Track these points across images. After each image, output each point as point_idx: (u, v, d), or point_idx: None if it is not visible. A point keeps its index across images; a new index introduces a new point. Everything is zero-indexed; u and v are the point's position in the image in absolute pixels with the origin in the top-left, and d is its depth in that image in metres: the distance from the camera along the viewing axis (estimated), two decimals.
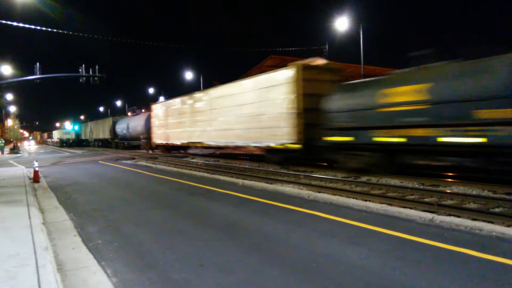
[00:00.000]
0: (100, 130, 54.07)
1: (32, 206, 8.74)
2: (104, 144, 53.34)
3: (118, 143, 45.71)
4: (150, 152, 32.33)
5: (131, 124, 39.26)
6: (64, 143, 67.23)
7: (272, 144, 16.25)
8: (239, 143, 18.87)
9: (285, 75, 15.35)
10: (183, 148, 28.69)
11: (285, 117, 15.20)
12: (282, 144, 15.50)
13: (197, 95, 23.83)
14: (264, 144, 16.78)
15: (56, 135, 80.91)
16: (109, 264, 5.18)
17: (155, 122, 30.67)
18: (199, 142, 23.05)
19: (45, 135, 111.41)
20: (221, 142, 20.66)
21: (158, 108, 30.37)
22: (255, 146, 17.65)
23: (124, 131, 41.49)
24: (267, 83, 16.56)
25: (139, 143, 37.51)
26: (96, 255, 5.51)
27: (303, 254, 5.32)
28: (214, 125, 21.15)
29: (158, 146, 30.59)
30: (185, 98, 25.56)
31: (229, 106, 19.61)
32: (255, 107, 17.30)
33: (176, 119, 26.50)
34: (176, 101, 26.80)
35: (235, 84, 19.64)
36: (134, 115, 42.38)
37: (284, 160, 16.12)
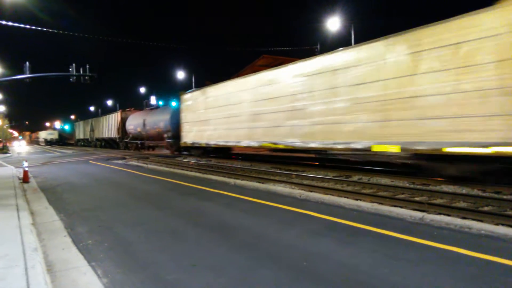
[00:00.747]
0: (104, 128, 46.11)
1: (21, 207, 8.64)
2: (109, 144, 46.12)
3: (129, 143, 37.51)
4: (176, 153, 26.63)
5: (150, 119, 31.13)
6: (48, 142, 75.48)
7: (452, 149, 9.39)
8: (362, 143, 11.74)
9: (493, 20, 8.77)
10: (223, 151, 22.13)
11: (493, 98, 8.69)
12: (483, 145, 8.73)
13: (267, 75, 16.35)
14: (426, 146, 9.95)
15: (42, 135, 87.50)
16: (100, 264, 5.13)
17: (186, 116, 23.49)
18: (270, 143, 15.85)
19: (33, 135, 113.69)
20: (317, 142, 13.54)
21: (193, 99, 22.86)
22: (403, 148, 10.58)
23: (139, 129, 33.51)
24: (440, 39, 9.72)
25: (160, 144, 30.85)
26: (87, 256, 5.47)
27: (294, 253, 5.33)
28: (299, 117, 14.28)
29: (191, 148, 23.88)
30: (240, 81, 18.28)
31: (333, 87, 12.87)
32: (403, 83, 10.55)
33: (223, 112, 19.46)
34: (224, 88, 19.76)
35: (348, 51, 12.59)
36: (153, 108, 33.37)
37: (486, 176, 9.32)
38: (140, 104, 43.01)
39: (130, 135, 36.56)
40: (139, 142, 35.39)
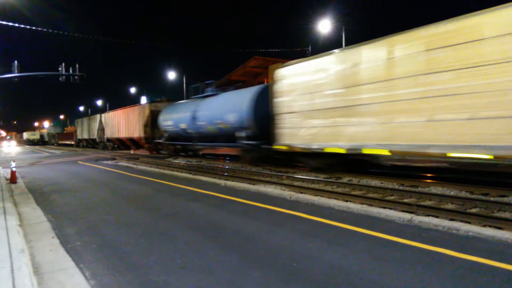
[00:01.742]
0: (121, 125, 34.34)
1: (8, 208, 8.52)
2: (125, 146, 36.19)
3: (162, 144, 26.79)
4: (258, 165, 16.64)
5: (205, 111, 20.27)
6: (30, 142, 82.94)
7: None
8: None
9: None
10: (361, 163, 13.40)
11: None
12: None
13: None
14: None
15: (25, 136, 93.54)
16: (88, 266, 5.09)
17: (290, 103, 13.96)
18: None
19: (18, 135, 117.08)
20: None
21: (305, 73, 13.37)
22: None
23: (183, 125, 22.44)
24: None
25: (222, 148, 22.23)
26: (74, 257, 5.41)
27: (284, 254, 5.34)
28: None
29: (301, 155, 14.30)
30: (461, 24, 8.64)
31: None
32: None
33: (406, 88, 9.87)
34: (403, 43, 10.00)
35: None
36: (210, 95, 21.30)
37: None
38: (132, 102, 39.79)
39: (166, 135, 25.76)
40: (180, 144, 24.63)
